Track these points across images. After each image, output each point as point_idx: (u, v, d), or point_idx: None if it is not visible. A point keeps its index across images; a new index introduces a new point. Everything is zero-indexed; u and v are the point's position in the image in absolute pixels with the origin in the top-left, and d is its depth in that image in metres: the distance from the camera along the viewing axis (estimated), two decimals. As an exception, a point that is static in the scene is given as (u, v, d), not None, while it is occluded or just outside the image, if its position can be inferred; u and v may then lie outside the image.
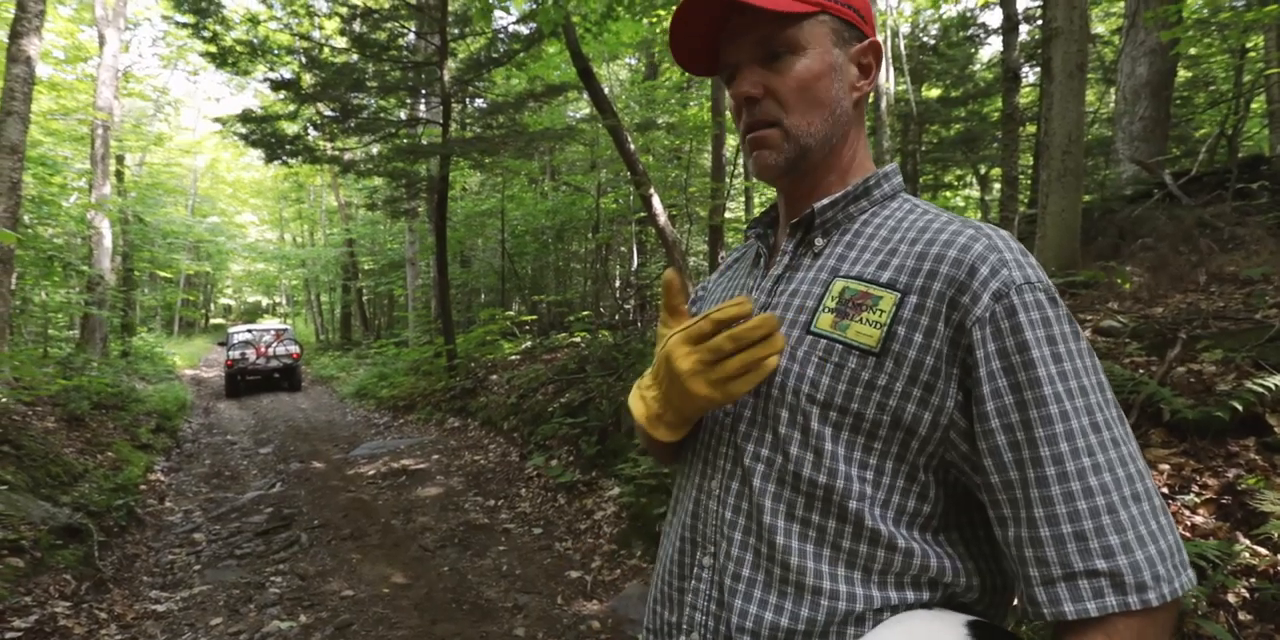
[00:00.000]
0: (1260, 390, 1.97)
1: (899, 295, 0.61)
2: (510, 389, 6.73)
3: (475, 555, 3.62)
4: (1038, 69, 7.13)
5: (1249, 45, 7.68)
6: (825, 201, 0.70)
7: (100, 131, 12.35)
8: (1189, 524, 1.95)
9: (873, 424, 0.61)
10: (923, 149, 9.46)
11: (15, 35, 6.85)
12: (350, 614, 2.92)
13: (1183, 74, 8.26)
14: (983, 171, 9.70)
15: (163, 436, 7.34)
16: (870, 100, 11.46)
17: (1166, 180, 5.61)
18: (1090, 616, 0.52)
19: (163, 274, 19.24)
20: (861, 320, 0.62)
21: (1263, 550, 1.76)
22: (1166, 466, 2.20)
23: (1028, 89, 8.66)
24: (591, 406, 5.05)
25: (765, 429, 0.66)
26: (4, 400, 5.14)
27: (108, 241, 12.26)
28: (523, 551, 3.62)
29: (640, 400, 0.73)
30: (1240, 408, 1.97)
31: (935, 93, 10.13)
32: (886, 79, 8.28)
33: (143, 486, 5.26)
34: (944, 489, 0.63)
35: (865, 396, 0.61)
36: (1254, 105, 7.90)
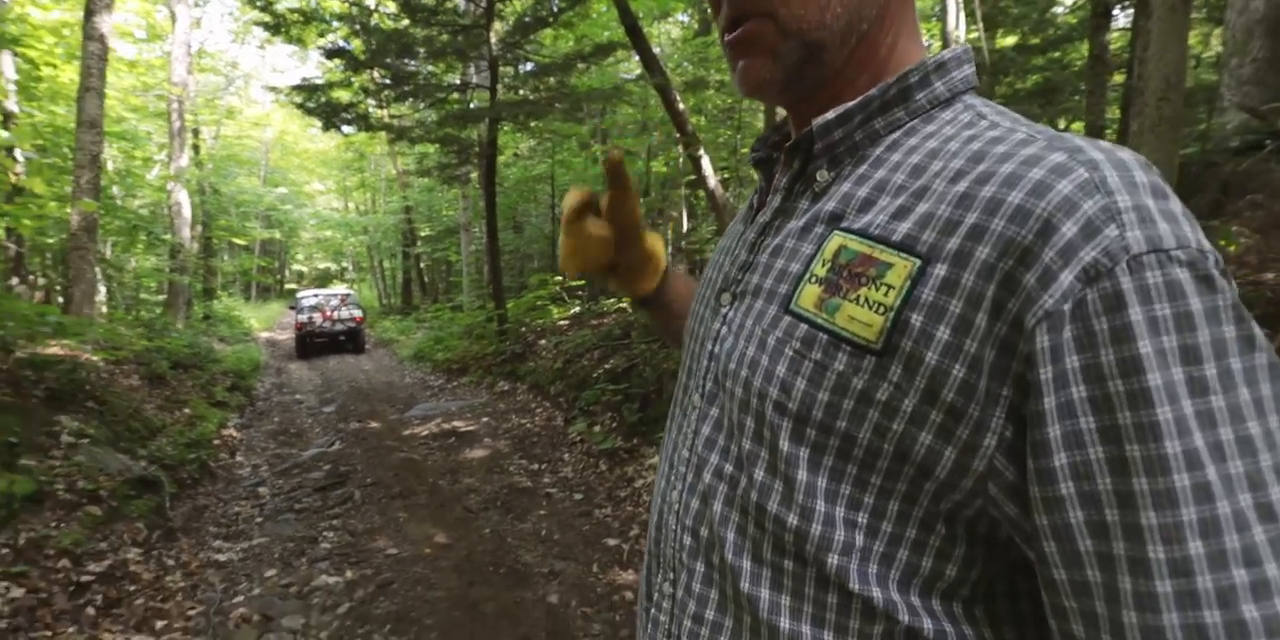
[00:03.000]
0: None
1: (917, 262, 0.40)
2: (557, 354, 6.77)
3: (516, 519, 3.68)
4: (1129, 12, 6.40)
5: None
6: (830, 116, 0.47)
7: (176, 106, 12.93)
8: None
9: (868, 452, 0.41)
10: (997, 102, 8.74)
11: (89, 13, 7.09)
12: (392, 573, 3.02)
13: (1311, 7, 7.26)
14: (1063, 125, 8.90)
15: (237, 395, 7.79)
16: (938, 50, 10.68)
17: (1282, 129, 4.99)
18: None
19: (238, 241, 20.27)
20: (858, 299, 0.42)
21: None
22: None
23: (1115, 35, 7.82)
24: (635, 373, 5.01)
25: (731, 438, 0.49)
26: (94, 360, 5.51)
27: (187, 211, 12.94)
28: (562, 517, 3.65)
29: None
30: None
31: (1011, 40, 9.32)
32: (956, 26, 7.63)
33: (216, 441, 5.59)
34: (983, 548, 0.41)
35: (856, 412, 0.41)
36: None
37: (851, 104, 0.47)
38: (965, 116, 0.46)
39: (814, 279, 0.45)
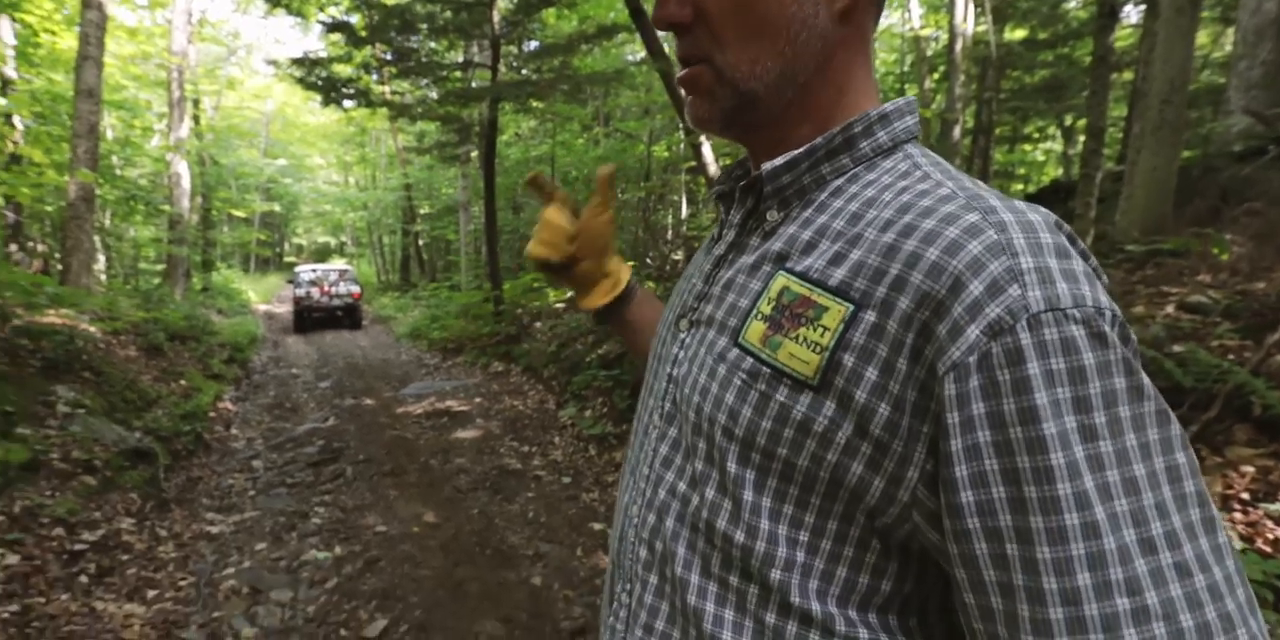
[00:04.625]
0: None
1: (850, 308, 0.43)
2: (551, 337, 6.81)
3: (505, 500, 3.74)
4: (1141, 8, 6.33)
5: None
6: (778, 162, 0.50)
7: (176, 75, 12.77)
8: (1272, 537, 1.78)
9: (806, 476, 0.45)
10: (1001, 97, 8.67)
11: (88, -22, 6.97)
12: (380, 550, 3.09)
13: (1325, 10, 7.17)
14: (1068, 123, 8.83)
15: (234, 367, 7.83)
16: (944, 42, 10.53)
17: (1285, 135, 4.98)
18: None
19: (238, 213, 20.18)
20: (798, 338, 0.45)
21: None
22: (1250, 469, 2.01)
23: (1127, 31, 7.73)
24: (626, 359, 5.05)
25: (685, 458, 0.53)
26: (91, 330, 5.54)
27: (186, 182, 12.86)
28: (550, 500, 3.71)
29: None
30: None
31: (1020, 34, 9.21)
32: (964, 19, 7.54)
33: (211, 414, 5.64)
34: (916, 565, 0.46)
35: (795, 441, 0.45)
36: None
37: (798, 152, 0.50)
38: (903, 166, 0.49)
39: (760, 316, 0.48)
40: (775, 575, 0.46)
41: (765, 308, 0.48)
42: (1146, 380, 0.38)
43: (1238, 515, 1.88)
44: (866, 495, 0.43)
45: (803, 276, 0.47)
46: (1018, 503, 0.37)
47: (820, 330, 0.44)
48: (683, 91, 0.53)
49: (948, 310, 0.39)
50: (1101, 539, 0.35)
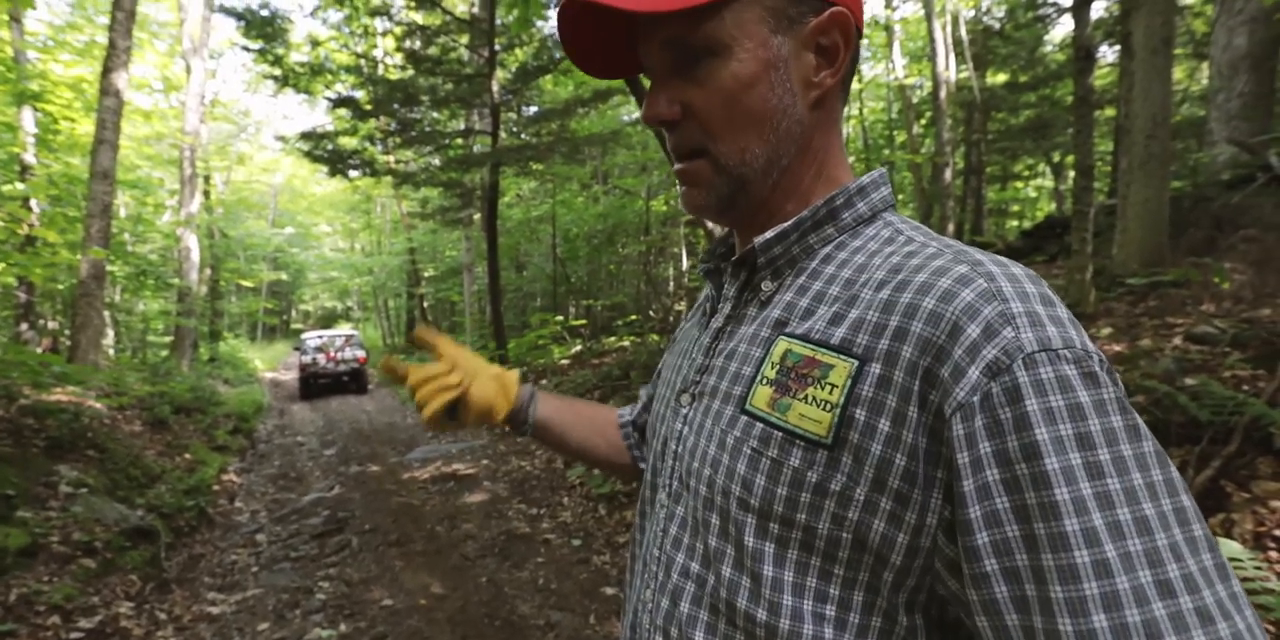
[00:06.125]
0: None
1: (855, 363, 0.44)
2: (558, 394, 6.75)
3: (514, 566, 3.61)
4: (1117, 48, 6.57)
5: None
6: (769, 235, 0.53)
7: (188, 154, 13.27)
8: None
9: (829, 542, 0.44)
10: (989, 138, 8.90)
11: (107, 70, 7.36)
12: (386, 626, 2.95)
13: (1291, 44, 7.43)
14: (1056, 160, 9.04)
15: (239, 438, 7.75)
16: (928, 89, 10.95)
17: (1272, 162, 5.05)
18: None
19: (245, 283, 20.54)
20: (807, 398, 0.45)
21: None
22: (1278, 503, 1.93)
23: (1105, 70, 8.01)
24: (635, 414, 4.98)
25: (697, 537, 0.51)
26: (97, 406, 5.53)
27: (195, 255, 13.14)
28: (561, 564, 3.58)
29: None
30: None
31: (1002, 78, 9.54)
32: (946, 67, 7.84)
33: (215, 487, 5.54)
34: (938, 633, 0.45)
35: (815, 505, 0.44)
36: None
37: (786, 224, 0.53)
38: (885, 233, 0.52)
39: (765, 381, 0.48)
40: None
41: (769, 372, 0.48)
42: (1141, 421, 0.39)
43: (1273, 554, 1.78)
44: (892, 555, 0.42)
45: (804, 338, 0.47)
46: (1030, 540, 0.36)
47: (829, 388, 0.44)
48: (680, 181, 0.56)
49: (949, 354, 0.40)
50: (1114, 578, 0.34)
